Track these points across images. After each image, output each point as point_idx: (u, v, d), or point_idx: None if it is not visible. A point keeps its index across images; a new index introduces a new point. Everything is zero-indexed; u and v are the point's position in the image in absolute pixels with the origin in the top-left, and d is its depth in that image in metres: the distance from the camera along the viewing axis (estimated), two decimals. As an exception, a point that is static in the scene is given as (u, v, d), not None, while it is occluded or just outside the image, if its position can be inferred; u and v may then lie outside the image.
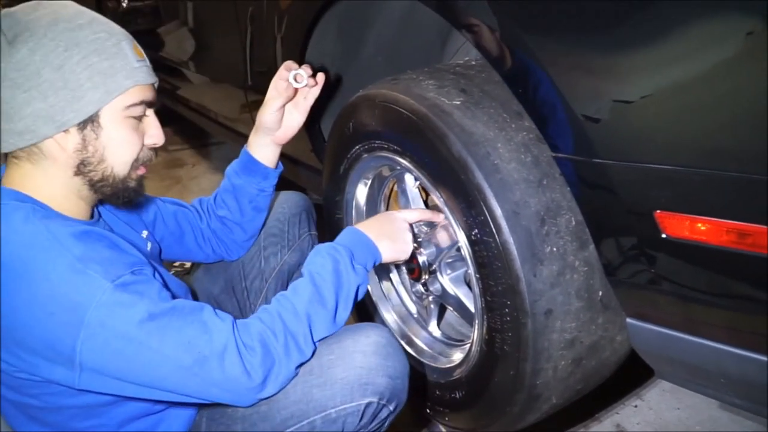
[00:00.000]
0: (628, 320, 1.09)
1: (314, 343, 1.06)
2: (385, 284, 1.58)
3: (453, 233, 1.22)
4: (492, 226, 1.06)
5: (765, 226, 0.81)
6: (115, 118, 1.02)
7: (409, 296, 1.58)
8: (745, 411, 1.08)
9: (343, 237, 1.18)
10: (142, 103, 1.04)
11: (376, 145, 1.33)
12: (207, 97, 2.72)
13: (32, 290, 0.92)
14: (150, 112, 1.08)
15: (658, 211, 0.91)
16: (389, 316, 1.56)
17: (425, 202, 1.49)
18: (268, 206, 1.43)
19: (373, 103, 1.29)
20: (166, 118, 1.15)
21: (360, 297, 1.14)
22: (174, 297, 1.02)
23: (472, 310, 1.29)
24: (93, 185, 1.05)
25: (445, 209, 1.18)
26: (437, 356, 1.43)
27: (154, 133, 1.08)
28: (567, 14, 0.93)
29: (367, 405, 1.04)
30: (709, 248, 0.88)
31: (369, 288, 1.53)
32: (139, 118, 1.06)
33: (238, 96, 2.22)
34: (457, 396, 1.30)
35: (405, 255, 1.25)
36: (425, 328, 1.52)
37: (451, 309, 1.46)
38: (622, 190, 0.94)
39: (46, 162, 1.01)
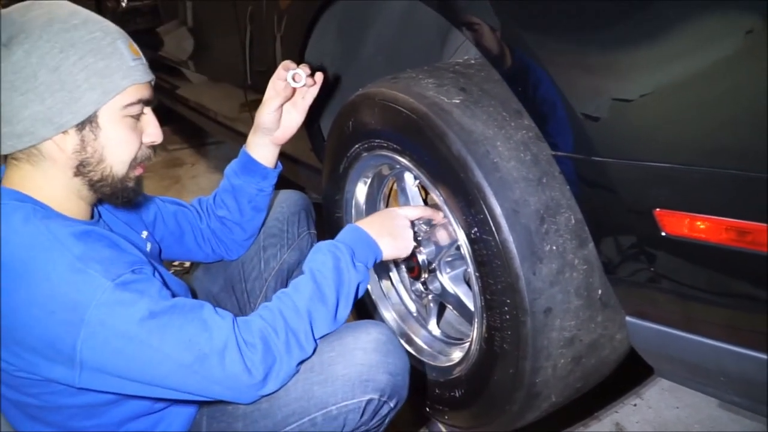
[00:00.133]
0: (628, 318, 1.09)
1: (315, 340, 1.06)
2: (385, 283, 1.58)
3: (452, 232, 1.22)
4: (491, 225, 1.06)
5: (764, 224, 0.81)
6: (113, 118, 1.02)
7: (409, 295, 1.58)
8: (744, 409, 1.08)
9: (344, 234, 1.18)
10: (139, 101, 1.04)
11: (375, 143, 1.33)
12: (206, 97, 2.72)
13: (32, 289, 0.92)
14: (148, 110, 1.08)
15: (657, 209, 0.91)
16: (389, 315, 1.56)
17: (425, 201, 1.49)
18: (267, 206, 1.43)
19: (372, 101, 1.29)
20: (165, 117, 1.15)
21: (361, 294, 1.14)
22: (174, 296, 1.02)
23: (472, 308, 1.29)
24: (92, 185, 1.05)
25: (445, 208, 1.18)
26: (437, 355, 1.43)
27: (152, 131, 1.08)
28: (567, 13, 0.93)
29: (368, 402, 1.04)
30: (709, 246, 0.88)
31: (368, 287, 1.53)
32: (137, 117, 1.06)
33: (238, 95, 2.22)
34: (457, 394, 1.31)
35: (406, 252, 1.25)
36: (425, 326, 1.52)
37: (451, 308, 1.46)
38: (622, 189, 0.94)
39: (45, 163, 1.02)
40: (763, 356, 0.91)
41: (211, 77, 2.58)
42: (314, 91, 1.34)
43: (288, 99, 1.32)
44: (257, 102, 1.34)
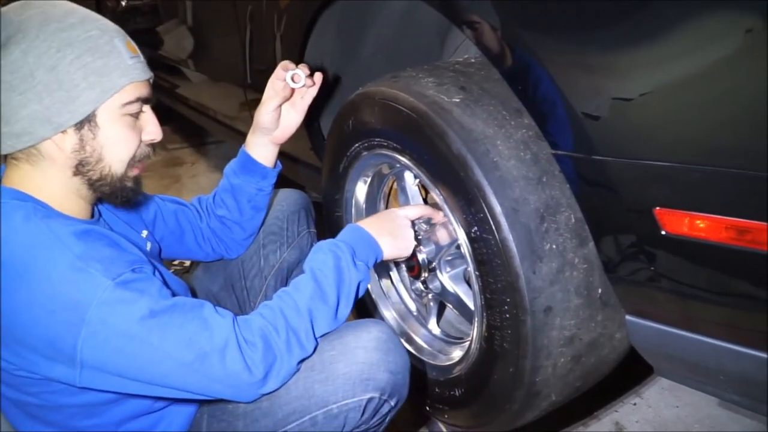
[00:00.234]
0: (628, 317, 1.09)
1: (316, 339, 1.06)
2: (385, 282, 1.58)
3: (452, 231, 1.22)
4: (491, 224, 1.06)
5: (764, 223, 0.81)
6: (111, 116, 1.02)
7: (409, 294, 1.58)
8: (744, 408, 1.08)
9: (344, 234, 1.18)
10: (138, 100, 1.04)
11: (375, 142, 1.33)
12: (206, 96, 2.72)
13: (33, 289, 0.92)
14: (147, 108, 1.08)
15: (657, 208, 0.91)
16: (389, 314, 1.56)
17: (424, 200, 1.49)
18: (267, 205, 1.43)
19: (372, 100, 1.29)
20: (165, 116, 1.15)
21: (361, 294, 1.14)
22: (174, 295, 1.02)
23: (472, 307, 1.29)
24: (92, 185, 1.04)
25: (445, 207, 1.18)
26: (437, 354, 1.43)
27: (151, 129, 1.08)
28: (567, 12, 0.93)
29: (369, 400, 1.04)
30: (709, 245, 0.88)
31: (368, 286, 1.53)
32: (136, 115, 1.06)
33: (238, 94, 2.22)
34: (457, 393, 1.31)
35: (407, 252, 1.25)
36: (425, 325, 1.52)
37: (451, 307, 1.46)
38: (622, 187, 0.94)
39: (45, 163, 1.01)
40: (763, 355, 0.91)
41: (211, 76, 2.58)
42: (313, 91, 1.33)
43: (287, 99, 1.32)
44: (257, 101, 1.34)
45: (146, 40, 2.91)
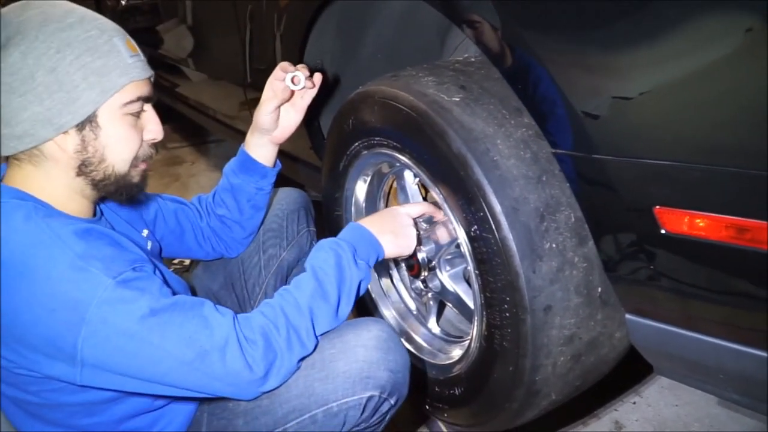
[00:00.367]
0: (627, 316, 1.09)
1: (316, 337, 1.06)
2: (385, 281, 1.58)
3: (452, 230, 1.22)
4: (491, 223, 1.06)
5: (764, 222, 0.81)
6: (112, 116, 1.01)
7: (409, 293, 1.58)
8: (743, 407, 1.08)
9: (345, 232, 1.18)
10: (138, 99, 1.03)
11: (375, 141, 1.33)
12: (206, 95, 2.72)
13: (34, 287, 0.92)
14: (148, 107, 1.08)
15: (657, 207, 0.91)
16: (388, 313, 1.56)
17: (424, 199, 1.49)
18: (266, 204, 1.44)
19: (372, 99, 1.29)
20: (165, 115, 1.15)
21: (362, 292, 1.14)
22: (174, 294, 1.02)
23: (472, 306, 1.29)
24: (96, 184, 1.04)
25: (445, 206, 1.18)
26: (436, 353, 1.43)
27: (152, 128, 1.08)
28: (567, 11, 0.93)
29: (369, 399, 1.04)
30: (708, 244, 0.88)
31: (368, 285, 1.53)
32: (137, 115, 1.05)
33: (238, 93, 2.22)
34: (456, 392, 1.31)
35: (408, 251, 1.25)
36: (424, 324, 1.52)
37: (451, 306, 1.46)
38: (622, 186, 0.94)
39: (47, 163, 1.01)
40: (763, 354, 0.91)
41: (211, 75, 2.58)
42: (313, 91, 1.33)
43: (286, 100, 1.32)
44: (257, 100, 1.34)
45: (146, 39, 2.91)
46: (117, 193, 1.07)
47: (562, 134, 1.01)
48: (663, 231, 0.92)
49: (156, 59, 2.97)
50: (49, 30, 0.96)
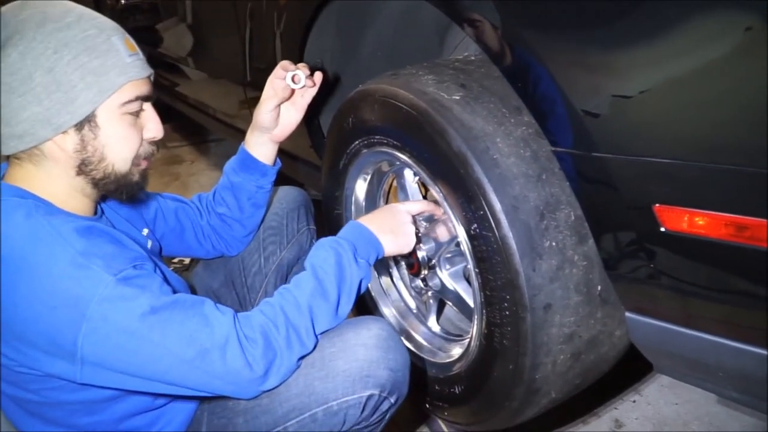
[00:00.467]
0: (627, 314, 1.09)
1: (316, 336, 1.06)
2: (384, 280, 1.58)
3: (452, 228, 1.22)
4: (491, 221, 1.06)
5: (763, 219, 0.81)
6: (111, 116, 1.01)
7: (408, 292, 1.58)
8: (743, 406, 1.09)
9: (345, 231, 1.18)
10: (137, 98, 1.03)
11: (375, 140, 1.33)
12: (206, 94, 2.72)
13: (34, 285, 0.92)
14: (147, 106, 1.07)
15: (657, 205, 0.91)
16: (388, 312, 1.56)
17: (424, 198, 1.49)
18: (266, 202, 1.44)
19: (372, 98, 1.29)
20: (164, 114, 1.15)
21: (363, 291, 1.14)
22: (175, 292, 1.02)
23: (471, 305, 1.29)
24: (96, 183, 1.05)
25: (444, 204, 1.18)
26: (436, 351, 1.43)
27: (152, 126, 1.08)
28: (567, 10, 0.93)
29: (369, 397, 1.04)
30: (708, 242, 0.88)
31: (369, 284, 1.53)
32: (136, 114, 1.05)
33: (238, 92, 2.22)
34: (456, 391, 1.31)
35: (408, 249, 1.25)
36: (424, 323, 1.52)
37: (450, 304, 1.46)
38: (621, 184, 0.94)
39: (48, 163, 1.02)
40: (762, 352, 0.91)
41: (211, 74, 2.58)
42: (313, 90, 1.34)
43: (286, 99, 1.32)
44: (257, 99, 1.34)
45: (146, 37, 2.91)
46: (117, 192, 1.07)
47: (562, 132, 1.01)
48: (663, 229, 0.92)
49: (156, 58, 2.97)
50: (47, 30, 0.96)
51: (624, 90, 0.90)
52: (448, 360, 1.36)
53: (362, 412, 1.05)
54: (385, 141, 1.30)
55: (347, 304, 1.10)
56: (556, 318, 1.07)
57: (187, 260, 2.27)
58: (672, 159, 0.87)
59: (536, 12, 0.98)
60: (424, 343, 1.47)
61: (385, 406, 1.08)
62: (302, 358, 1.05)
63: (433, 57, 1.59)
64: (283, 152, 1.43)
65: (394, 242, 1.21)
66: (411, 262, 1.38)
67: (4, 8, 0.99)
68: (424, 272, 1.39)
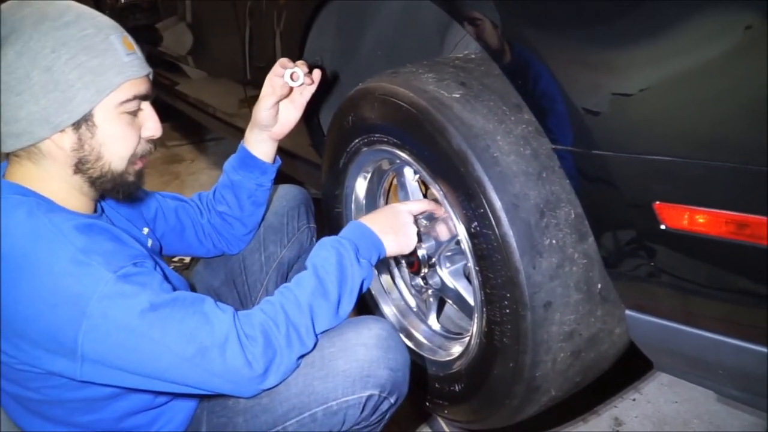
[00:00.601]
0: (627, 312, 1.09)
1: (316, 335, 1.06)
2: (385, 278, 1.58)
3: (452, 226, 1.22)
4: (491, 219, 1.06)
5: (764, 217, 0.81)
6: (109, 115, 1.01)
7: (409, 290, 1.58)
8: (743, 403, 1.09)
9: (347, 231, 1.18)
10: (135, 97, 1.03)
11: (375, 138, 1.33)
12: (206, 93, 2.72)
13: (35, 282, 0.92)
14: (146, 105, 1.07)
15: (657, 203, 0.91)
16: (388, 310, 1.56)
17: (424, 196, 1.49)
18: (266, 200, 1.44)
19: (372, 96, 1.29)
20: (164, 113, 1.15)
21: (364, 290, 1.14)
22: (175, 290, 1.02)
23: (472, 303, 1.29)
24: (93, 182, 1.05)
25: (445, 202, 1.18)
26: (436, 349, 1.43)
27: (150, 125, 1.08)
28: (567, 8, 0.93)
29: (369, 397, 1.04)
30: (708, 239, 0.88)
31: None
32: (134, 113, 1.05)
33: (237, 91, 2.21)
34: (457, 389, 1.31)
35: (409, 249, 1.25)
36: (424, 321, 1.52)
37: (451, 302, 1.46)
38: (622, 182, 0.94)
39: (46, 161, 1.02)
40: (762, 349, 0.91)
41: (211, 73, 2.58)
42: (312, 87, 1.34)
43: (285, 97, 1.32)
44: (257, 98, 1.34)
45: (145, 36, 2.91)
46: (114, 191, 1.07)
47: (563, 130, 1.01)
48: (663, 227, 0.92)
49: (155, 57, 2.97)
50: (45, 29, 0.96)
51: (624, 88, 0.90)
52: (448, 358, 1.36)
53: (362, 412, 1.05)
54: (385, 139, 1.30)
55: (348, 304, 1.10)
56: (556, 316, 1.07)
57: (187, 259, 2.27)
58: (672, 157, 0.87)
59: (536, 10, 0.98)
60: (425, 341, 1.47)
61: (385, 406, 1.08)
62: (302, 357, 1.05)
63: (434, 55, 1.59)
64: (283, 151, 1.43)
65: (395, 242, 1.21)
66: (411, 260, 1.38)
67: (2, 6, 0.99)
68: (425, 270, 1.39)
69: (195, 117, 3.01)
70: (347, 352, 1.05)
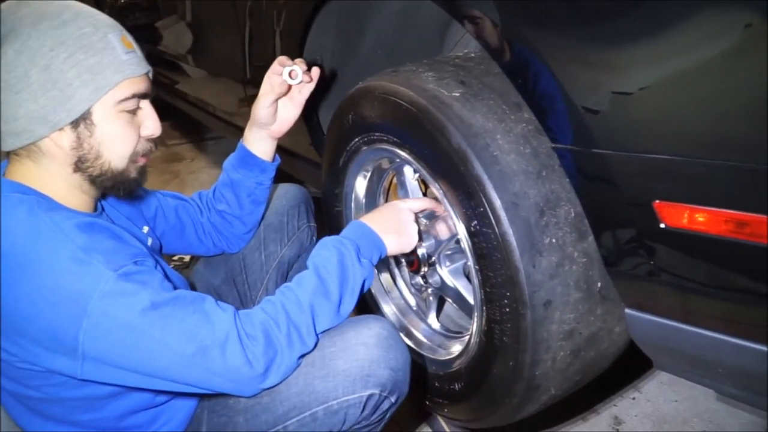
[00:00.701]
0: (627, 311, 1.09)
1: (317, 335, 1.06)
2: (385, 277, 1.58)
3: (452, 225, 1.22)
4: (491, 218, 1.06)
5: (763, 216, 0.81)
6: (107, 114, 1.01)
7: (408, 289, 1.58)
8: (742, 402, 1.09)
9: (348, 230, 1.18)
10: (134, 96, 1.03)
11: (375, 137, 1.33)
12: (206, 91, 2.72)
13: (36, 280, 0.92)
14: (145, 103, 1.07)
15: (656, 201, 0.91)
16: (388, 309, 1.56)
17: (424, 194, 1.49)
18: (266, 199, 1.44)
19: (372, 95, 1.29)
20: (163, 112, 1.15)
21: (365, 290, 1.14)
22: (175, 289, 1.02)
23: (471, 302, 1.29)
24: (93, 180, 1.05)
25: (445, 201, 1.18)
26: (436, 348, 1.44)
27: (150, 124, 1.08)
28: (567, 7, 0.93)
29: (369, 397, 1.04)
30: (708, 238, 0.88)
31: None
32: (133, 111, 1.05)
33: (237, 90, 2.22)
34: (456, 387, 1.31)
35: (409, 247, 1.25)
36: (424, 320, 1.52)
37: (450, 301, 1.46)
38: (621, 181, 0.94)
39: (46, 159, 1.02)
40: (762, 348, 0.91)
41: (211, 72, 2.58)
42: (311, 85, 1.34)
43: (284, 94, 1.32)
44: (256, 96, 1.34)
45: (145, 35, 2.91)
46: (114, 189, 1.07)
47: (562, 129, 1.01)
48: (663, 225, 0.92)
49: (155, 56, 2.97)
50: (43, 28, 0.96)
51: (624, 87, 0.90)
52: (448, 357, 1.36)
53: (362, 412, 1.05)
54: (385, 138, 1.30)
55: (350, 303, 1.10)
56: (555, 315, 1.07)
57: (187, 258, 2.27)
58: (672, 155, 0.87)
59: (536, 9, 0.98)
60: (424, 340, 1.47)
61: (385, 405, 1.08)
62: (303, 356, 1.05)
63: (433, 54, 1.59)
64: (283, 150, 1.43)
65: (396, 241, 1.21)
66: (411, 259, 1.38)
67: (2, 6, 0.99)
68: (424, 269, 1.39)
69: (195, 116, 3.01)
70: (348, 351, 1.05)
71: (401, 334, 1.46)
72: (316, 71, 1.33)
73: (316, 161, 1.86)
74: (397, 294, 1.58)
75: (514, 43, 1.04)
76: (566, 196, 1.07)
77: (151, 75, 1.08)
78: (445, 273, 1.41)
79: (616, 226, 1.02)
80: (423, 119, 1.15)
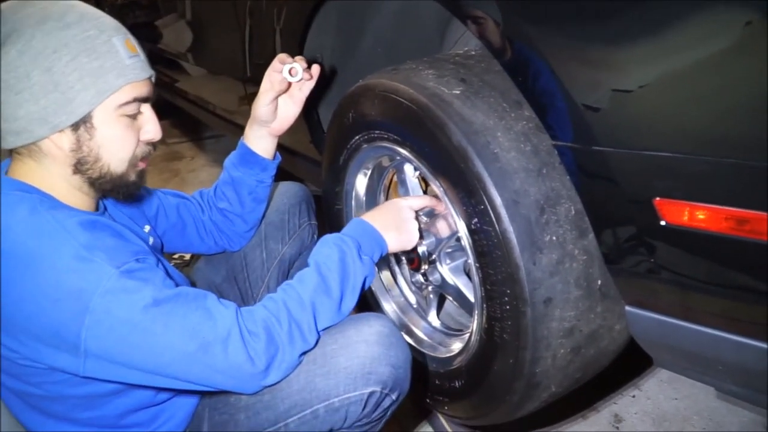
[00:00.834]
0: (627, 308, 1.10)
1: (318, 332, 1.06)
2: (385, 275, 1.59)
3: (452, 223, 1.22)
4: (492, 215, 1.07)
5: (764, 213, 0.81)
6: (108, 117, 1.01)
7: (409, 286, 1.59)
8: (742, 400, 1.09)
9: (349, 228, 1.18)
10: (135, 100, 1.03)
11: (375, 135, 1.33)
12: (206, 90, 2.72)
13: (38, 278, 0.92)
14: (146, 107, 1.07)
15: (657, 199, 0.91)
16: (389, 307, 1.57)
17: (424, 192, 1.49)
18: (267, 197, 1.44)
19: (373, 92, 1.29)
20: (164, 110, 1.15)
21: (366, 288, 1.15)
22: (177, 286, 1.02)
23: (472, 299, 1.29)
24: (92, 182, 1.05)
25: (445, 199, 1.18)
26: (436, 346, 1.44)
27: (150, 128, 1.07)
28: (568, 5, 0.93)
29: (370, 394, 1.04)
30: (708, 235, 0.88)
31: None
32: (134, 116, 1.05)
33: (237, 88, 2.22)
34: (457, 385, 1.31)
35: (410, 245, 1.25)
36: (424, 318, 1.52)
37: (451, 299, 1.46)
38: (622, 178, 0.95)
39: (46, 159, 1.02)
40: (762, 345, 0.91)
41: (211, 70, 2.58)
42: (311, 83, 1.34)
43: (284, 92, 1.32)
44: (257, 95, 1.34)
45: (145, 33, 2.90)
46: (114, 192, 1.07)
47: (563, 127, 1.01)
48: (663, 223, 0.92)
49: (155, 54, 2.97)
50: (47, 29, 0.96)
51: (624, 84, 0.90)
52: (448, 354, 1.37)
53: (364, 409, 1.05)
54: (386, 136, 1.30)
55: (351, 301, 1.11)
56: (556, 312, 1.07)
57: (187, 256, 2.27)
58: (672, 153, 0.87)
59: (537, 7, 0.98)
60: (425, 337, 1.48)
61: (386, 402, 1.08)
62: (304, 354, 1.05)
63: (434, 52, 1.59)
64: (283, 148, 1.43)
65: (397, 239, 1.22)
66: (411, 257, 1.38)
67: (4, 5, 0.99)
68: (425, 267, 1.39)
69: (195, 114, 3.01)
70: (349, 349, 1.05)
71: (402, 332, 1.47)
72: (316, 69, 1.33)
73: (317, 159, 1.87)
74: (398, 292, 1.59)
75: (515, 41, 1.04)
76: (567, 193, 1.07)
77: (153, 79, 1.07)
78: (445, 270, 1.41)
79: (617, 223, 1.02)
80: (423, 117, 1.15)
